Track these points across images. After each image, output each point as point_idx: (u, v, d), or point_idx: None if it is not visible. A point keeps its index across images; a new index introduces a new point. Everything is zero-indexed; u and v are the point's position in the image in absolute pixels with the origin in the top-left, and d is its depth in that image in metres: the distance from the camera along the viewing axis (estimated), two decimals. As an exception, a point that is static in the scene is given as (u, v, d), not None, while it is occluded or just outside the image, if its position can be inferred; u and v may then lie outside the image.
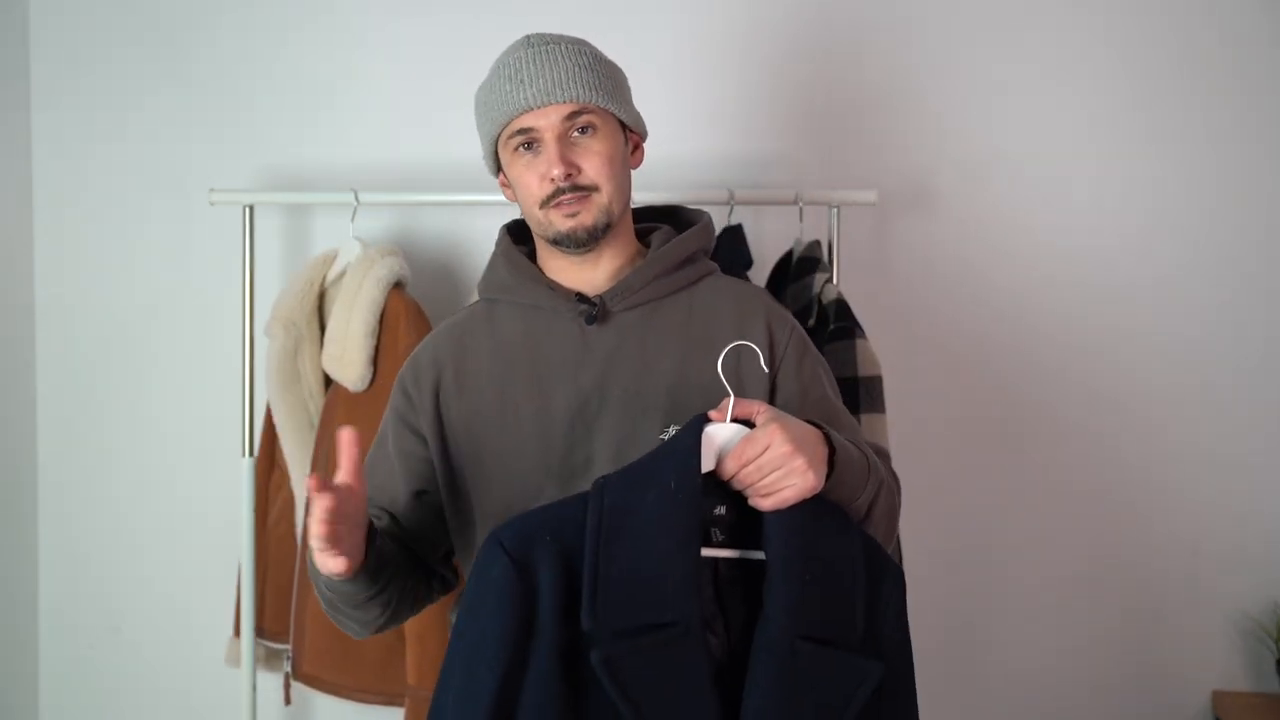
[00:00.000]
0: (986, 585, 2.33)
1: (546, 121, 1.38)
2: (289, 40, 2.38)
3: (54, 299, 2.42)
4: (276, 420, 2.16)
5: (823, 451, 1.25)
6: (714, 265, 1.52)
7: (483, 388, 1.43)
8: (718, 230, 2.12)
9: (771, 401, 1.42)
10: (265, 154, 2.37)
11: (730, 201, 2.10)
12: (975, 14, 2.31)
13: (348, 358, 2.04)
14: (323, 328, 2.16)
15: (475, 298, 2.12)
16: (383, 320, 2.06)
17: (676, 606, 1.18)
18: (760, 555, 1.25)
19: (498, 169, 1.49)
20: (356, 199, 2.15)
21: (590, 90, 1.39)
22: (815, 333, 1.99)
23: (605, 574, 1.19)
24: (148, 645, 2.42)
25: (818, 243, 2.10)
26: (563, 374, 1.41)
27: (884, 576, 1.28)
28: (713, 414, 1.26)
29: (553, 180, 1.37)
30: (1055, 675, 2.32)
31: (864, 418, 1.91)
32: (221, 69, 2.38)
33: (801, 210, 2.12)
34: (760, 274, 2.19)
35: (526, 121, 1.39)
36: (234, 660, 2.22)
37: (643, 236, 1.52)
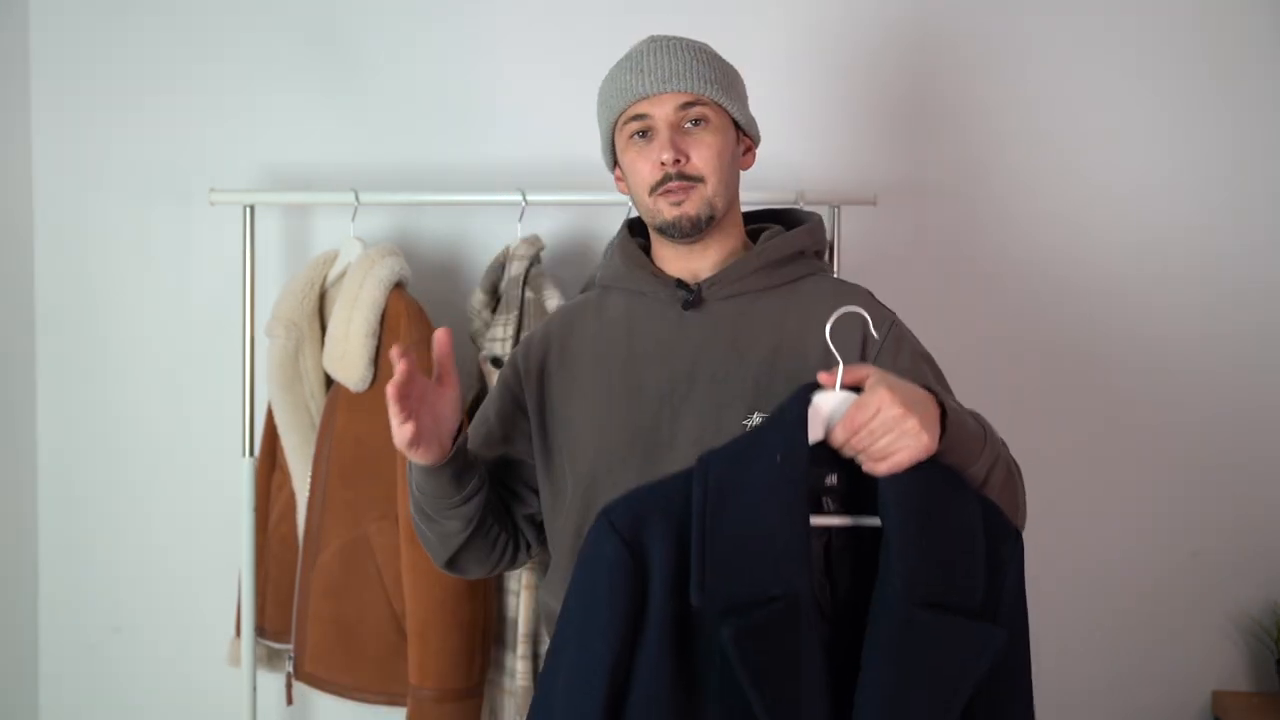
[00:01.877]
0: (986, 585, 2.33)
1: (661, 110, 1.44)
2: (289, 40, 2.37)
3: (54, 299, 2.42)
4: (278, 421, 2.16)
5: (934, 413, 1.24)
6: (822, 265, 1.55)
7: (584, 363, 1.50)
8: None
9: None
10: (265, 154, 2.37)
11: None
12: (976, 14, 2.31)
13: (349, 358, 2.04)
14: (324, 328, 2.16)
15: (474, 296, 2.15)
16: (384, 320, 2.07)
17: (785, 579, 1.17)
18: (875, 521, 1.23)
19: (614, 163, 1.54)
20: (357, 199, 2.15)
21: (705, 83, 1.45)
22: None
23: (713, 549, 1.18)
24: (148, 645, 2.42)
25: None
26: (656, 356, 1.46)
27: (1004, 537, 1.26)
28: (822, 377, 1.26)
29: (662, 165, 1.43)
30: (1055, 675, 2.31)
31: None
32: (221, 69, 2.38)
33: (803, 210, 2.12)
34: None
35: (642, 108, 1.45)
36: (235, 660, 2.22)
37: (756, 236, 1.55)
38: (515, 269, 2.07)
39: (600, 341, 1.51)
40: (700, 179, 1.43)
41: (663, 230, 1.47)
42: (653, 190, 1.44)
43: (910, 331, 1.51)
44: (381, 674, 2.07)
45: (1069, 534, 2.31)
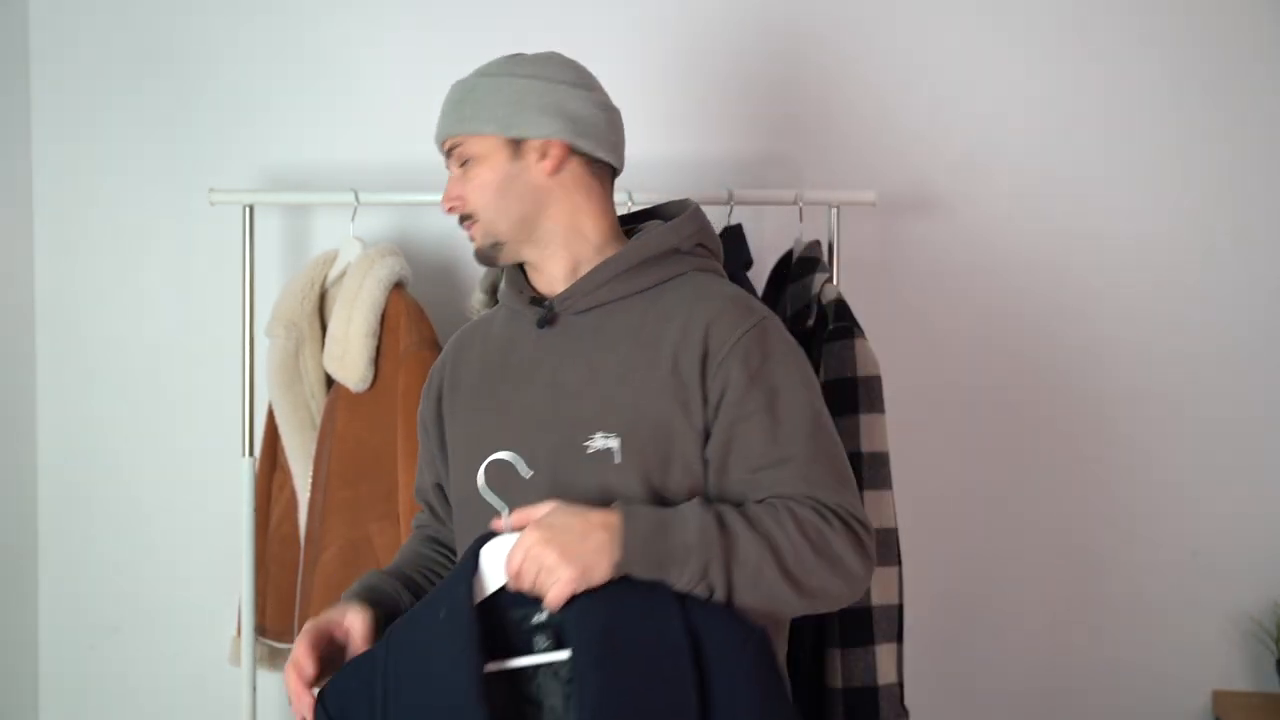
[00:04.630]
0: (986, 585, 2.33)
1: (445, 158, 1.50)
2: (290, 40, 2.38)
3: (54, 299, 2.42)
4: (279, 420, 2.16)
5: (601, 538, 1.23)
6: (702, 262, 1.46)
7: (466, 385, 1.50)
8: (717, 230, 2.13)
9: (705, 407, 1.35)
10: (265, 154, 2.37)
11: (730, 201, 2.09)
12: (977, 13, 2.31)
13: (349, 358, 2.04)
14: (324, 328, 2.16)
15: (474, 296, 2.15)
16: (384, 321, 2.07)
17: None
18: (561, 655, 1.25)
19: None
20: (357, 199, 2.15)
21: (457, 123, 1.45)
22: (815, 332, 1.98)
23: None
24: (148, 645, 2.42)
25: (817, 243, 2.10)
26: (520, 375, 1.44)
27: (726, 654, 1.22)
28: (495, 524, 1.30)
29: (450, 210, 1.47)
30: (1055, 676, 2.31)
31: (862, 418, 1.91)
32: (222, 69, 2.38)
33: (801, 210, 2.12)
34: (760, 274, 2.19)
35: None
36: (236, 659, 2.22)
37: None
38: (514, 270, 2.07)
39: (481, 362, 1.50)
40: (473, 216, 1.45)
41: None
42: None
43: (781, 339, 1.40)
44: None
45: (1069, 534, 2.31)
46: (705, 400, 1.35)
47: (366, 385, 2.05)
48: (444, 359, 1.56)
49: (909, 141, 2.32)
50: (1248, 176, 2.29)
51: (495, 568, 1.28)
